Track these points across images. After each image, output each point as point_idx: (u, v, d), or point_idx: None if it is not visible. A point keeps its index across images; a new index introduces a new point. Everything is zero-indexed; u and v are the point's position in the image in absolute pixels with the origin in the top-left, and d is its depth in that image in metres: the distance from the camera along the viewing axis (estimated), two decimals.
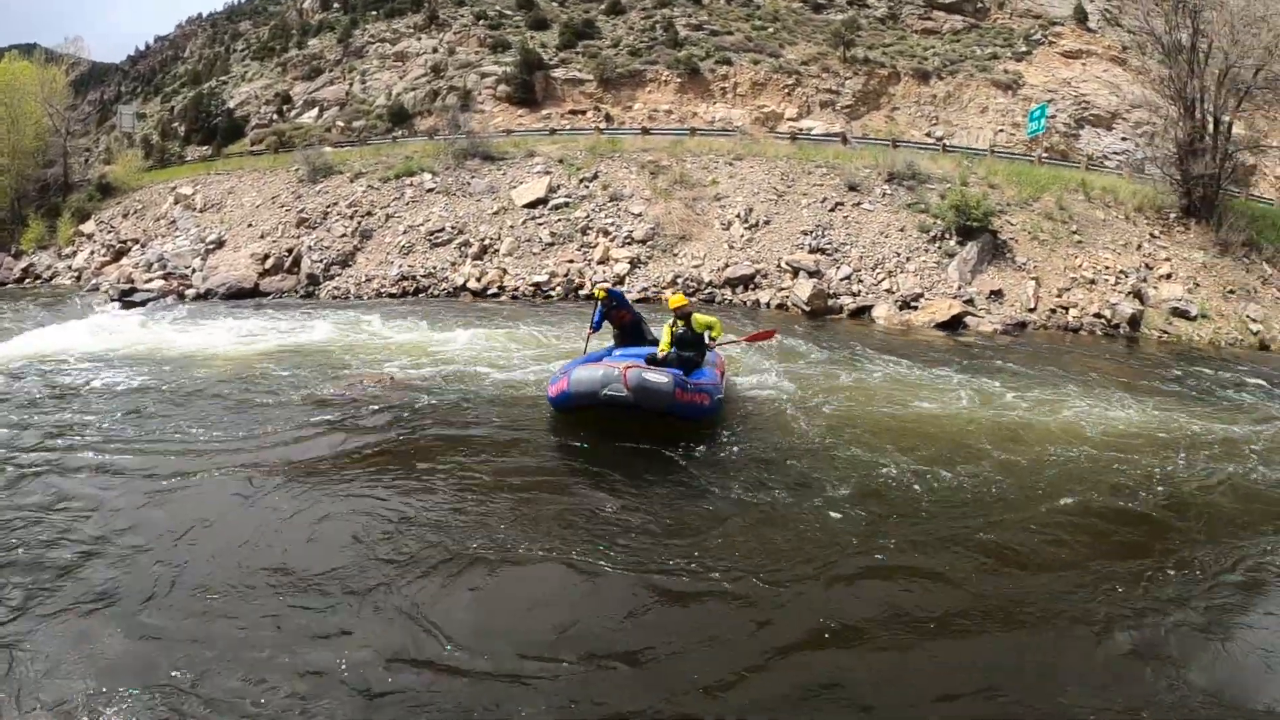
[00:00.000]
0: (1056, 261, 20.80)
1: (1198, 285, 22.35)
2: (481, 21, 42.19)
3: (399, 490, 7.09)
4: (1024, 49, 38.41)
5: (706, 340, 9.81)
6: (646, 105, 34.88)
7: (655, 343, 11.14)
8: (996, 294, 19.46)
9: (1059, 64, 37.01)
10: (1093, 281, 20.64)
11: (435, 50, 40.02)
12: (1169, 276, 22.07)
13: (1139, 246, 22.69)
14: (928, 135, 31.66)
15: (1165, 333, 20.35)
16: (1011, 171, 24.22)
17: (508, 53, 37.97)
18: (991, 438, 9.47)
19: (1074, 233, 22.01)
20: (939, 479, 7.84)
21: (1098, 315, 19.76)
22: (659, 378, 8.20)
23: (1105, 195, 24.25)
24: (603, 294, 11.18)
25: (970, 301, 18.95)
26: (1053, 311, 19.56)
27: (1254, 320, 22.27)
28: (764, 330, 11.11)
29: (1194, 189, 24.83)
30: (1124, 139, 32.60)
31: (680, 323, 9.78)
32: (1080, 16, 40.31)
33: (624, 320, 11.41)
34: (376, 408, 9.60)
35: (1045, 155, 29.56)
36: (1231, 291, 22.88)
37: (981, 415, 10.62)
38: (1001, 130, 33.26)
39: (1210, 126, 25.18)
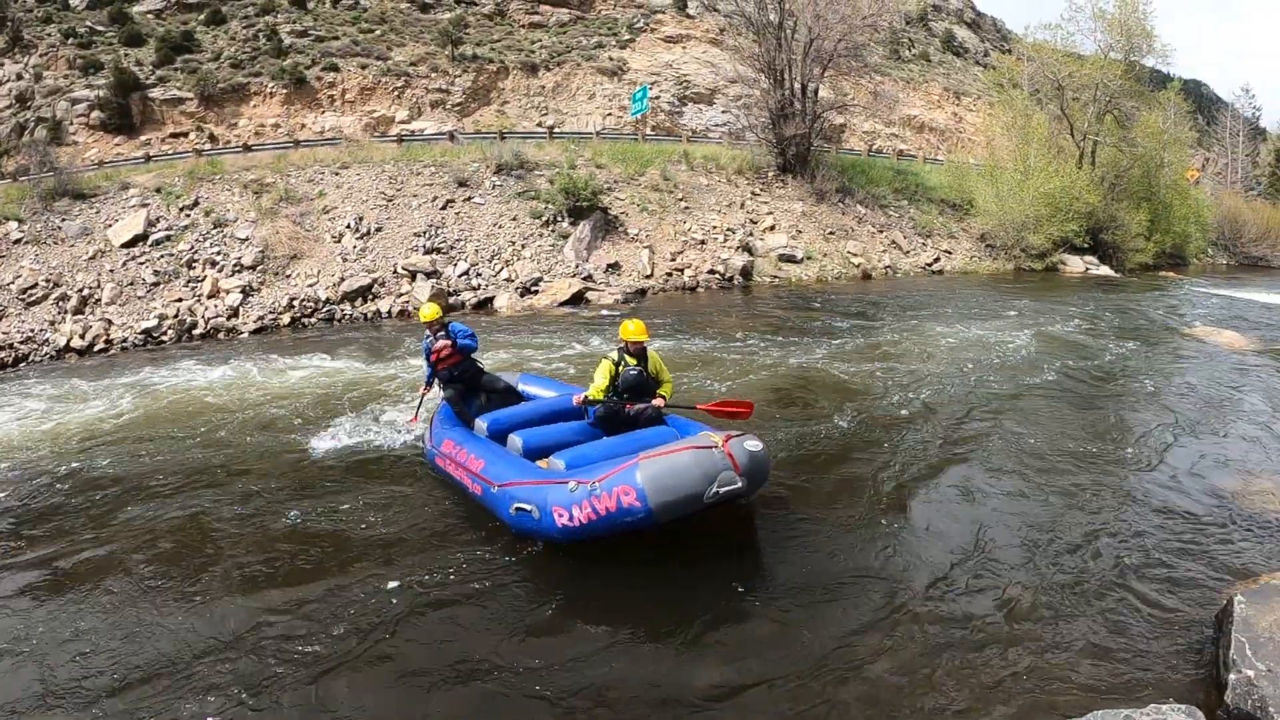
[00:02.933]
0: (667, 228, 21.67)
1: (800, 232, 24.12)
2: (71, 40, 37.04)
3: None
4: (628, 37, 39.93)
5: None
6: (253, 120, 32.55)
7: (512, 395, 8.79)
8: (614, 266, 19.95)
9: (661, 48, 38.82)
10: (703, 242, 21.68)
11: (20, 77, 34.83)
12: (773, 228, 23.66)
13: (743, 205, 24.16)
14: (539, 125, 31.98)
15: (776, 277, 21.84)
16: (617, 151, 24.97)
17: (100, 74, 33.82)
18: None
19: (680, 200, 23.04)
20: None
21: (712, 271, 20.82)
22: (757, 445, 6.06)
23: (707, 163, 25.71)
24: (434, 314, 8.53)
25: (589, 277, 19.24)
26: (669, 275, 20.41)
27: (854, 255, 24.42)
28: (739, 401, 7.59)
29: (788, 149, 27.08)
30: (724, 112, 34.52)
31: (633, 360, 7.29)
32: (680, 4, 42.58)
33: (454, 364, 8.59)
34: None
35: (650, 133, 30.82)
36: (832, 233, 24.93)
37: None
38: (610, 114, 34.33)
39: (799, 93, 27.36)
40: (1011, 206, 29.91)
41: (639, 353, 7.30)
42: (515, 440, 7.12)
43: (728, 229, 22.53)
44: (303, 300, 18.54)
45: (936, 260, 27.55)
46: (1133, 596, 5.50)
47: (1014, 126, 35.04)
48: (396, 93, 33.50)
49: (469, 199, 21.08)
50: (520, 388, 9.01)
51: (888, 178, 30.48)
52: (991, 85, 42.80)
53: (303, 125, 32.13)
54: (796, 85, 27.53)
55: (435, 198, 21.04)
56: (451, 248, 19.61)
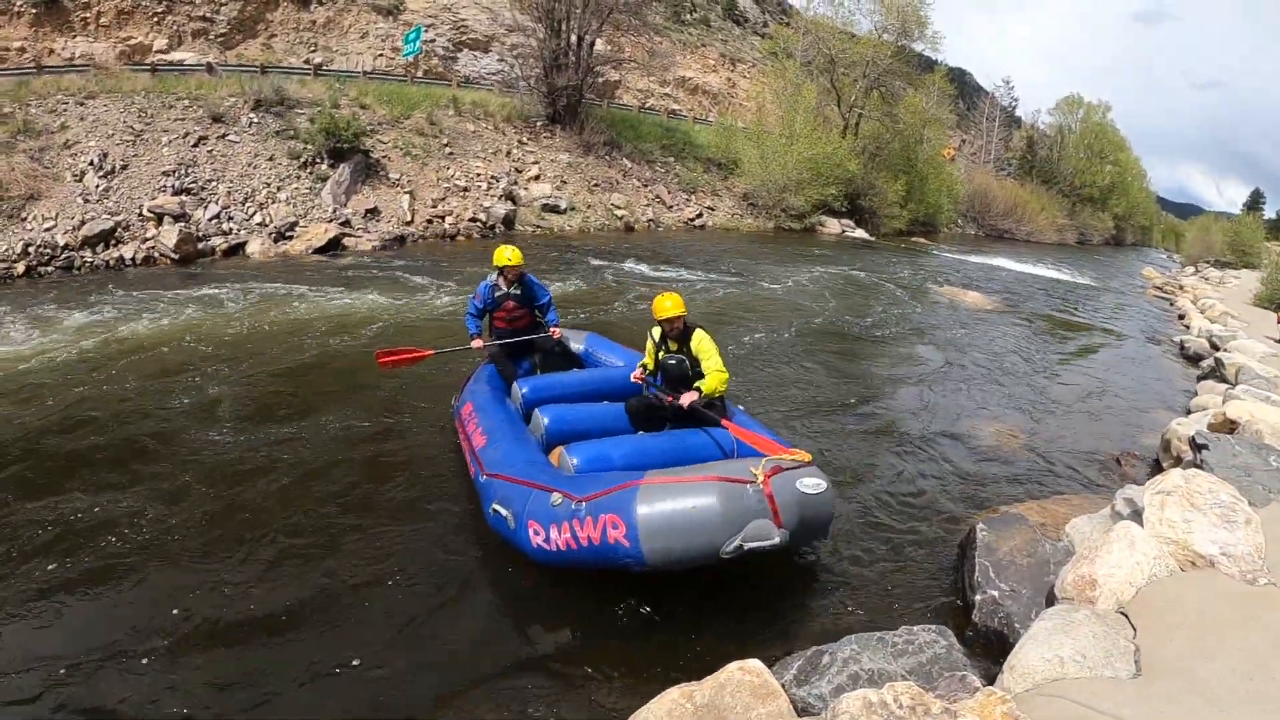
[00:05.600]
0: (430, 174, 21.95)
1: (565, 183, 24.97)
2: None
3: None
4: None
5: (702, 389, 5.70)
6: None
7: (569, 359, 7.82)
8: (373, 212, 20.01)
9: None
10: (466, 189, 22.14)
11: None
12: (538, 177, 24.40)
13: (509, 153, 24.72)
14: (306, 62, 30.87)
15: (539, 227, 22.62)
16: (384, 92, 24.72)
17: None
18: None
19: (445, 145, 23.32)
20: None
21: (473, 219, 21.37)
22: (819, 484, 4.70)
23: (476, 109, 26.02)
24: (518, 259, 7.32)
25: (347, 223, 19.23)
26: (430, 221, 20.70)
27: (618, 207, 25.54)
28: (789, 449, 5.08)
29: (558, 99, 27.63)
30: (500, 60, 34.45)
31: (673, 345, 5.97)
32: None
33: (519, 320, 7.55)
34: None
35: (422, 77, 30.75)
36: (597, 185, 25.94)
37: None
38: (381, 55, 33.54)
39: (575, 44, 28.05)
40: (775, 169, 32.03)
41: (679, 335, 5.93)
42: (540, 418, 5.99)
43: (492, 177, 23.05)
44: (39, 246, 17.55)
45: (699, 216, 29.18)
46: (886, 531, 6.00)
47: (784, 94, 37.29)
48: (156, 19, 31.38)
49: (224, 136, 20.41)
50: (584, 350, 7.94)
51: (656, 134, 31.86)
52: (767, 54, 44.99)
53: (51, 51, 29.81)
54: (573, 37, 28.20)
55: (187, 134, 20.29)
56: (203, 189, 18.99)
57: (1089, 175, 71.29)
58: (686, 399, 5.61)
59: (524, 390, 6.56)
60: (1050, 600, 4.58)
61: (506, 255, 7.23)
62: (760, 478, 4.46)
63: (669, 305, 5.79)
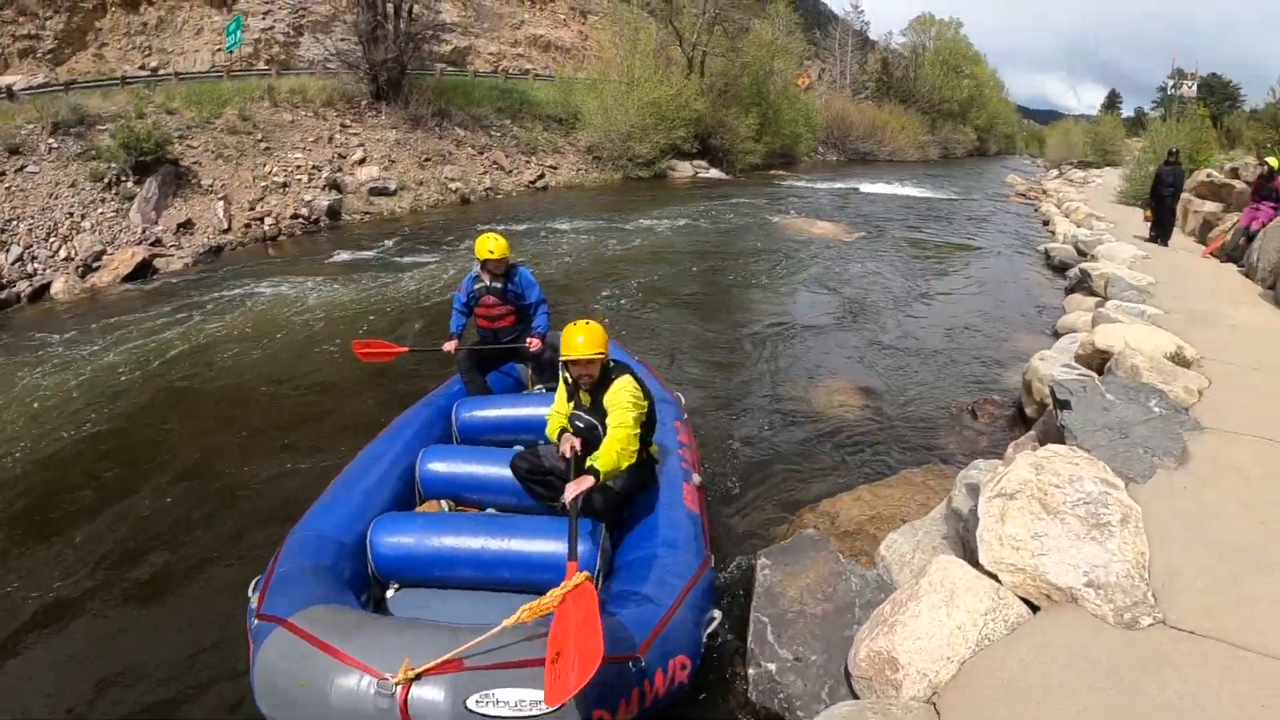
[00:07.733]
0: (245, 175, 21.25)
1: (393, 162, 24.81)
2: None
3: None
4: None
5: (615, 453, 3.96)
6: None
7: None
8: (186, 225, 19.21)
9: None
10: (285, 185, 21.67)
11: None
12: (364, 160, 24.17)
13: (330, 139, 24.33)
14: (142, 68, 29.52)
15: (367, 213, 22.43)
16: (191, 93, 23.60)
17: None
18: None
19: (260, 141, 22.63)
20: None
21: (295, 216, 20.90)
22: (524, 701, 2.86)
23: (293, 97, 25.31)
24: (501, 250, 6.17)
25: (158, 242, 18.39)
26: (248, 226, 19.97)
27: (453, 180, 25.62)
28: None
29: (379, 74, 27.09)
30: (343, 40, 33.18)
31: (585, 397, 4.37)
32: None
33: (501, 320, 6.50)
34: None
35: (266, 67, 29.92)
36: (428, 159, 25.87)
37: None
38: (219, 50, 32.03)
39: (392, 14, 27.42)
40: (617, 117, 32.14)
41: (594, 385, 4.26)
42: (418, 465, 4.78)
43: (313, 167, 22.66)
44: None
45: (541, 177, 29.31)
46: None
47: (623, 39, 37.30)
48: None
49: (22, 169, 18.87)
50: None
51: (492, 97, 31.59)
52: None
53: None
54: (389, 6, 27.67)
55: None
56: (3, 230, 17.34)
57: (946, 91, 73.58)
58: (573, 490, 3.77)
59: (460, 415, 5.51)
60: (849, 675, 3.23)
61: (489, 247, 6.17)
62: (401, 677, 2.85)
63: (580, 342, 4.10)
